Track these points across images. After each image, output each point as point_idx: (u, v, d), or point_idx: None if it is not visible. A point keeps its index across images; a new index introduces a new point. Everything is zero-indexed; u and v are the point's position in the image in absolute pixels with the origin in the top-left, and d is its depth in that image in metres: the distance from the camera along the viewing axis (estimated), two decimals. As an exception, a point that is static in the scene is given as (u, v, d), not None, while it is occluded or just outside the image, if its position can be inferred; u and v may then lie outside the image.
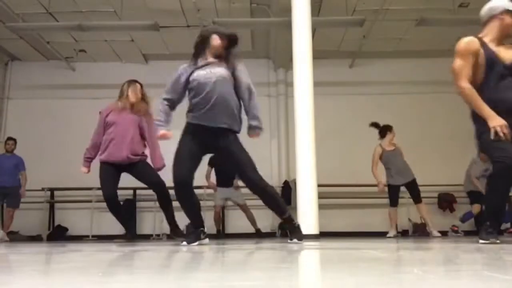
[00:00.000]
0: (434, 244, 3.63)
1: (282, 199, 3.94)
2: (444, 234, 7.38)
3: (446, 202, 8.57)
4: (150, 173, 4.72)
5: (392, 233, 6.82)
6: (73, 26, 7.29)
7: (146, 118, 4.78)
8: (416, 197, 6.79)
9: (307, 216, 5.59)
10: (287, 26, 6.29)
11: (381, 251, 2.52)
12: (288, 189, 8.41)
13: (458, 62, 3.44)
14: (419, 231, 7.52)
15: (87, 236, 8.14)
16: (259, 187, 3.66)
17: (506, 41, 3.43)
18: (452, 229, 7.47)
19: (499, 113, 3.15)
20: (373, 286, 1.04)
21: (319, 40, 7.95)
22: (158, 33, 7.75)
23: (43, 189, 8.38)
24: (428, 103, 8.87)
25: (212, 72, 3.60)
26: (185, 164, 3.56)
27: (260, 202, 9.13)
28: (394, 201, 6.81)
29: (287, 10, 6.31)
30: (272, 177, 9.06)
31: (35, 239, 8.10)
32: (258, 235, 7.53)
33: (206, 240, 3.85)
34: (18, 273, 1.52)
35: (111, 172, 4.64)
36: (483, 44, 3.38)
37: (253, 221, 7.62)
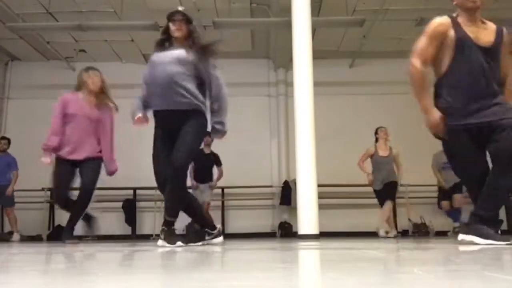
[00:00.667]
0: (434, 244, 3.62)
1: (178, 204, 3.43)
2: (444, 234, 7.37)
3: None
4: (88, 173, 4.40)
5: (392, 232, 6.77)
6: (73, 26, 7.29)
7: (104, 111, 4.49)
8: (390, 195, 6.75)
9: (307, 216, 5.60)
10: (287, 26, 6.29)
11: (381, 251, 2.52)
12: (288, 189, 8.41)
13: (422, 41, 3.05)
14: (419, 231, 7.52)
15: (87, 236, 8.13)
16: (174, 173, 3.27)
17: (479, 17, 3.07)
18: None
19: (462, 100, 2.89)
20: (373, 286, 1.04)
21: (319, 40, 7.95)
22: (158, 33, 7.71)
23: (43, 189, 8.38)
24: (428, 103, 8.85)
25: (166, 55, 3.40)
26: (161, 161, 3.34)
27: (260, 202, 9.11)
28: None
29: (287, 10, 6.31)
30: (272, 177, 9.06)
31: (35, 239, 8.09)
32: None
33: (218, 239, 3.66)
34: (18, 273, 1.52)
35: (68, 169, 4.40)
36: (455, 24, 3.04)
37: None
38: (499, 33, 3.00)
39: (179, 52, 3.40)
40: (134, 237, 8.22)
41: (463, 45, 2.94)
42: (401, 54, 10.20)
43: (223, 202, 8.87)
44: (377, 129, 6.81)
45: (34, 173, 8.36)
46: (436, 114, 2.96)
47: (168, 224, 3.29)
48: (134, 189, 8.52)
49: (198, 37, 3.57)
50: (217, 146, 9.25)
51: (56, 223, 8.73)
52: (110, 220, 8.23)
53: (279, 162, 9.14)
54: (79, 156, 4.38)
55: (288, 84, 8.86)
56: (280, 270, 1.47)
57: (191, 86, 3.40)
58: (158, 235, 8.10)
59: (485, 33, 2.99)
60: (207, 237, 3.59)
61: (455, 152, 3.07)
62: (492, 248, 2.51)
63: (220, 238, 3.70)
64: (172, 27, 3.50)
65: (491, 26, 3.06)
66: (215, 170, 7.39)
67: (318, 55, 6.45)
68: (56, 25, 7.73)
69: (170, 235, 3.24)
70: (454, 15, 3.14)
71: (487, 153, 2.91)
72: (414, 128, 8.60)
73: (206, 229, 3.61)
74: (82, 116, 4.40)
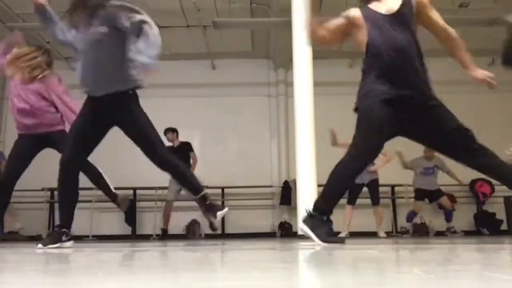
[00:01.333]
0: (434, 244, 3.62)
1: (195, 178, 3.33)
2: (444, 234, 7.37)
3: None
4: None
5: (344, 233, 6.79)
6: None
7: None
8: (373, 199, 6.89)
9: (307, 216, 5.60)
10: (287, 26, 6.29)
11: (381, 251, 2.52)
12: (288, 189, 8.41)
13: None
14: (419, 231, 7.52)
15: (87, 236, 8.14)
16: (171, 164, 3.21)
17: None
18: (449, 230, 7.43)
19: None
20: (373, 286, 1.04)
21: (319, 40, 7.94)
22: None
23: (43, 189, 8.38)
24: (428, 103, 8.87)
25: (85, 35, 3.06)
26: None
27: (260, 202, 9.11)
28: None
29: (287, 10, 6.31)
30: (272, 177, 9.06)
31: (35, 239, 8.09)
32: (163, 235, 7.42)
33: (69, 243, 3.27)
34: (18, 273, 1.52)
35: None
36: (362, 8, 3.17)
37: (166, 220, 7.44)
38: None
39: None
40: (134, 237, 8.22)
41: (369, 19, 3.05)
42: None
43: (223, 202, 8.87)
44: None
45: (34, 173, 8.37)
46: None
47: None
48: (134, 189, 8.52)
49: None
50: (217, 146, 9.29)
51: (56, 223, 8.73)
52: (110, 220, 8.24)
53: (279, 162, 9.14)
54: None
55: (288, 84, 8.86)
56: (280, 270, 1.47)
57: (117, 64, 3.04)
58: (158, 235, 8.09)
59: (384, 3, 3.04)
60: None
61: None
62: (492, 248, 2.51)
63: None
64: None
65: None
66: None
67: (318, 55, 6.45)
68: (56, 25, 7.74)
69: None
70: None
71: None
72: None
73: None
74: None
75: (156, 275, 1.36)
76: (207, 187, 8.54)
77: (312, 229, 2.93)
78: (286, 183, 8.64)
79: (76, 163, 3.18)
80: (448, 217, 7.43)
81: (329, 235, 2.97)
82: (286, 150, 9.04)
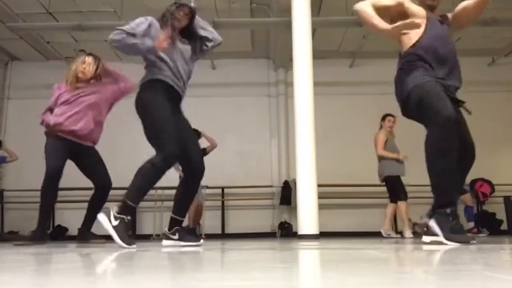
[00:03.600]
0: (434, 244, 3.62)
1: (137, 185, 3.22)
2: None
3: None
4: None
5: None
6: (73, 26, 7.29)
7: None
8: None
9: (307, 216, 5.60)
10: (287, 26, 6.29)
11: (381, 251, 2.52)
12: (288, 189, 8.41)
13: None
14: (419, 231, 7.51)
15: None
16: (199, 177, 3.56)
17: None
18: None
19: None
20: (373, 286, 1.04)
21: (319, 40, 7.95)
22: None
23: (43, 189, 8.38)
24: (428, 103, 8.86)
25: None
26: (175, 137, 3.23)
27: (260, 202, 9.09)
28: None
29: (287, 10, 6.31)
30: (272, 177, 9.06)
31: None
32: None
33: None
34: (18, 273, 1.51)
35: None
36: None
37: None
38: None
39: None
40: (134, 237, 8.21)
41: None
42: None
43: (223, 202, 8.87)
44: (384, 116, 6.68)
45: (34, 173, 8.37)
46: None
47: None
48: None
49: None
50: (217, 146, 9.28)
51: (56, 223, 8.73)
52: (110, 220, 8.23)
53: (279, 162, 9.14)
54: None
55: (288, 84, 8.87)
56: (280, 270, 1.47)
57: None
58: (158, 235, 8.06)
59: None
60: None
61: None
62: (492, 248, 2.51)
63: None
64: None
65: None
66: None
67: (318, 55, 6.46)
68: (56, 25, 7.73)
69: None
70: None
71: None
72: (414, 127, 8.63)
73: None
74: None
75: (156, 275, 1.36)
76: (207, 187, 8.59)
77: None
78: (286, 183, 8.64)
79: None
80: (470, 215, 7.25)
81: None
82: (286, 150, 9.04)
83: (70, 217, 8.68)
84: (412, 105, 3.10)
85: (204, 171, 3.40)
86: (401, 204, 6.36)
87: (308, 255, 2.40)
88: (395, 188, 6.44)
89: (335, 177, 8.27)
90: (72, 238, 8.31)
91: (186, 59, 3.48)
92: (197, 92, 9.28)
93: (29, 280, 1.28)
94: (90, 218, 4.49)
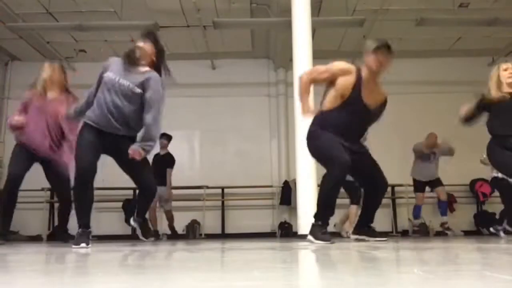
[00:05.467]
0: (434, 244, 3.62)
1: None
2: (444, 234, 7.36)
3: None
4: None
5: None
6: (73, 26, 7.28)
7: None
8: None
9: (307, 216, 5.59)
10: (287, 26, 6.28)
11: (381, 251, 2.51)
12: (288, 189, 8.41)
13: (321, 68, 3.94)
14: (419, 231, 7.51)
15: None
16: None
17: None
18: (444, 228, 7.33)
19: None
20: (373, 286, 1.04)
21: (319, 40, 7.94)
22: (158, 33, 7.73)
23: (43, 189, 8.37)
24: (428, 103, 8.86)
25: None
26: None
27: (260, 202, 9.07)
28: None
29: (287, 10, 6.31)
30: (272, 177, 9.06)
31: (35, 239, 8.09)
32: (173, 235, 7.33)
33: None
34: (18, 273, 1.52)
35: None
36: (358, 78, 3.64)
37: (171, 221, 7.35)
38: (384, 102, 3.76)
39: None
40: (134, 237, 8.21)
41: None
42: (401, 54, 10.26)
43: (223, 202, 8.87)
44: None
45: (34, 173, 8.36)
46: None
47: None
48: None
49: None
50: (217, 146, 9.29)
51: (56, 223, 8.73)
52: (110, 220, 8.24)
53: (279, 162, 9.14)
54: None
55: (288, 84, 8.86)
56: (280, 270, 1.47)
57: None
58: (158, 235, 8.01)
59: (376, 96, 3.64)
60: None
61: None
62: (492, 248, 2.51)
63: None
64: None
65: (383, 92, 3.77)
66: None
67: (318, 55, 6.44)
68: (56, 25, 7.73)
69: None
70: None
71: None
72: (413, 127, 8.63)
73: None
74: None
75: (156, 275, 1.36)
76: (207, 187, 8.59)
77: None
78: (286, 183, 8.63)
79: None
80: (443, 210, 7.33)
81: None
82: (286, 150, 9.03)
83: (70, 217, 8.68)
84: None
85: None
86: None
87: (308, 255, 2.40)
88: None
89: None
90: (72, 238, 8.32)
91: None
92: (197, 92, 9.31)
93: (29, 280, 1.28)
94: (64, 220, 4.67)
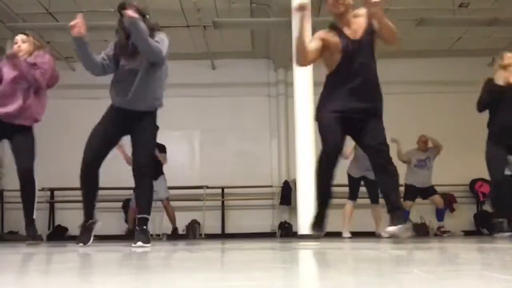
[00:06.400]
0: (434, 244, 3.62)
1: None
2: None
3: (446, 202, 8.56)
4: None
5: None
6: (73, 26, 7.29)
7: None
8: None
9: (307, 216, 5.59)
10: (287, 26, 6.29)
11: (381, 251, 2.51)
12: (288, 189, 8.41)
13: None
14: (419, 231, 7.52)
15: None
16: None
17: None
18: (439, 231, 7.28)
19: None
20: (373, 286, 1.04)
21: (319, 40, 7.94)
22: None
23: (43, 189, 8.37)
24: (428, 103, 8.87)
25: None
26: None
27: (260, 202, 9.08)
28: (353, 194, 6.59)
29: (287, 10, 6.31)
30: (272, 177, 9.06)
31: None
32: (174, 235, 7.18)
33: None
34: (18, 273, 1.52)
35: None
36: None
37: (173, 219, 7.19)
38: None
39: None
40: (130, 237, 8.22)
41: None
42: (401, 54, 10.27)
43: (223, 202, 8.87)
44: None
45: (34, 173, 8.37)
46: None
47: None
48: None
49: None
50: (217, 146, 9.29)
51: (56, 223, 8.73)
52: (110, 220, 8.24)
53: (279, 162, 9.14)
54: None
55: (288, 84, 8.86)
56: (280, 270, 1.47)
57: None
58: (158, 235, 8.04)
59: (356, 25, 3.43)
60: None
61: None
62: (492, 248, 2.51)
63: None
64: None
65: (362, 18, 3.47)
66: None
67: (318, 55, 6.44)
68: (56, 25, 7.73)
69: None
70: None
71: None
72: (412, 127, 8.63)
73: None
74: None
75: (156, 275, 1.36)
76: (207, 187, 8.59)
77: None
78: (286, 183, 8.63)
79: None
80: (440, 216, 7.28)
81: None
82: (286, 150, 9.03)
83: (70, 217, 8.68)
84: None
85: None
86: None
87: (308, 255, 2.40)
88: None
89: (335, 177, 8.26)
90: (72, 238, 8.32)
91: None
92: (197, 92, 9.31)
93: (29, 280, 1.28)
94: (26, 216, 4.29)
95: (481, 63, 9.08)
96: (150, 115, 3.50)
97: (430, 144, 7.05)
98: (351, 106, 3.36)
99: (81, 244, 3.33)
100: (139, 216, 3.45)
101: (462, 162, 7.71)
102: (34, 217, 4.22)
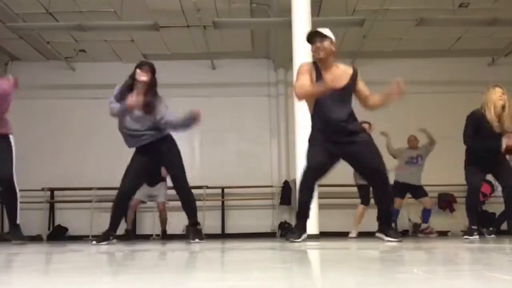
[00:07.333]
0: (434, 244, 3.63)
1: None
2: (444, 234, 7.36)
3: (446, 202, 8.56)
4: None
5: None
6: (73, 26, 7.28)
7: None
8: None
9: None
10: (287, 26, 6.29)
11: (381, 251, 2.51)
12: (288, 189, 8.41)
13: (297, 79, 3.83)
14: (418, 231, 7.51)
15: (87, 236, 8.13)
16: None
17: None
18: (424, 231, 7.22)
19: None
20: (373, 286, 1.04)
21: (319, 40, 7.94)
22: (158, 33, 7.75)
23: (43, 189, 8.38)
24: (428, 103, 8.86)
25: None
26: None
27: (260, 202, 9.12)
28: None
29: (287, 10, 6.31)
30: (272, 177, 9.06)
31: (35, 239, 8.09)
32: (163, 236, 7.12)
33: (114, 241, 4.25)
34: (18, 273, 1.52)
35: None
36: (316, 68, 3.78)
37: (164, 223, 7.13)
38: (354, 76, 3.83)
39: None
40: (134, 237, 8.21)
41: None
42: (401, 54, 10.27)
43: (223, 202, 8.87)
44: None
45: (34, 173, 8.37)
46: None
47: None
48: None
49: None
50: (217, 146, 9.29)
51: (56, 223, 8.73)
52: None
53: (279, 162, 9.14)
54: None
55: (288, 84, 8.86)
56: (280, 270, 1.47)
57: None
58: (158, 235, 8.03)
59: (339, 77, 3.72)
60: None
61: None
62: (492, 248, 2.51)
63: None
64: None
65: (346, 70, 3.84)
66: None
67: (318, 55, 6.44)
68: (56, 25, 7.73)
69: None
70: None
71: None
72: (413, 128, 8.63)
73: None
74: None
75: (156, 275, 1.36)
76: (207, 187, 8.58)
77: None
78: (286, 183, 8.63)
79: None
80: (426, 216, 7.23)
81: None
82: (286, 150, 9.03)
83: (70, 217, 8.68)
84: None
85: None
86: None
87: (308, 255, 2.40)
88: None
89: (335, 177, 8.24)
90: (72, 238, 8.32)
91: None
92: (197, 92, 9.30)
93: (29, 280, 1.28)
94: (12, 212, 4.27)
95: (481, 63, 9.09)
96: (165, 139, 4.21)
97: (422, 143, 7.09)
98: (332, 151, 3.76)
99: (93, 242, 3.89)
100: (192, 221, 4.24)
101: (462, 162, 7.69)
102: (18, 222, 4.20)
